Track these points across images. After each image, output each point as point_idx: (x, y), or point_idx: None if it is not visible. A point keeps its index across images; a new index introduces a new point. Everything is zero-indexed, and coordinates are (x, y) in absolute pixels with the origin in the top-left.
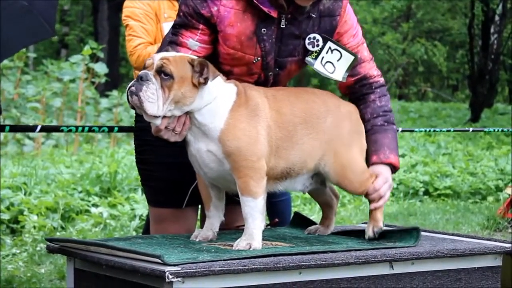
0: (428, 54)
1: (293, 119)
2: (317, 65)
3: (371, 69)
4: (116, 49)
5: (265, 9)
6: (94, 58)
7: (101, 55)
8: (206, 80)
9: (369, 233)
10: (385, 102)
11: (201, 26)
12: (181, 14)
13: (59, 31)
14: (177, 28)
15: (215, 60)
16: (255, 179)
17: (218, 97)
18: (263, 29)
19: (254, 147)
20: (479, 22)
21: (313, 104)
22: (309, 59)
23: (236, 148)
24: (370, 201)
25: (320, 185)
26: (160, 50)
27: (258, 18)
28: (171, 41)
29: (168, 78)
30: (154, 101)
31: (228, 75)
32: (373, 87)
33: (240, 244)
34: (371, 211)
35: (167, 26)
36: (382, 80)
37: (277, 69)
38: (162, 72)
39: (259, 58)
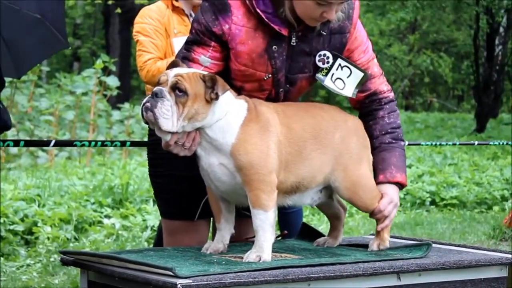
0: (434, 65)
1: (303, 134)
2: (327, 82)
3: (381, 84)
4: (127, 62)
5: (276, 27)
6: (106, 71)
7: (113, 68)
8: (217, 95)
9: (373, 247)
10: (394, 119)
11: (212, 43)
12: (193, 31)
13: (71, 44)
14: (189, 44)
15: (227, 77)
16: (266, 192)
17: (229, 113)
18: (274, 47)
19: (265, 161)
20: (484, 33)
21: (322, 120)
22: (319, 75)
23: (247, 162)
24: (377, 221)
25: (328, 198)
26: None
27: (269, 36)
28: (183, 57)
29: (182, 94)
30: (169, 117)
31: (239, 91)
32: (383, 103)
33: (250, 256)
34: (378, 231)
35: (177, 41)
36: (392, 95)
37: (288, 86)
38: (176, 89)
39: (270, 75)
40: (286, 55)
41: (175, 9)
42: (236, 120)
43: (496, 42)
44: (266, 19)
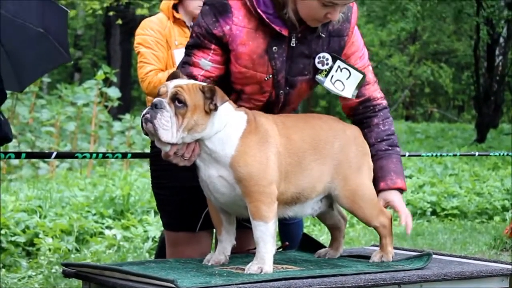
0: (434, 75)
1: (302, 145)
2: (327, 83)
3: (375, 91)
4: (128, 73)
5: (277, 28)
6: (107, 82)
7: (114, 79)
8: (216, 106)
9: (375, 259)
10: (388, 126)
11: (213, 46)
12: (194, 35)
13: (72, 55)
14: (190, 49)
15: (228, 80)
16: (266, 204)
17: (229, 125)
18: (274, 48)
19: (264, 172)
20: (484, 44)
21: (321, 130)
22: (319, 77)
23: (247, 174)
24: (379, 233)
25: (328, 208)
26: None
27: (270, 36)
28: (184, 62)
29: (182, 105)
30: (168, 128)
31: (240, 95)
32: (376, 110)
33: (252, 268)
34: (382, 244)
35: (178, 53)
36: (385, 102)
37: (288, 88)
38: (176, 100)
39: (270, 76)
40: (286, 56)
41: (176, 20)
42: (236, 132)
43: (497, 52)
44: (267, 20)
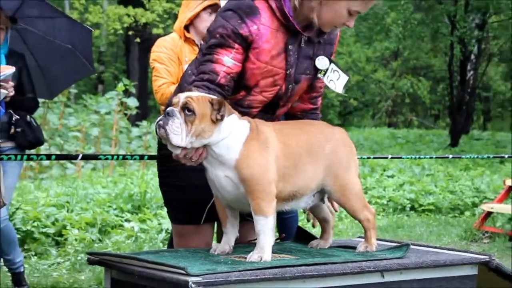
0: (413, 88)
1: (298, 150)
2: (325, 81)
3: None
4: (145, 85)
5: (298, 27)
6: (126, 93)
7: (133, 90)
8: (222, 117)
9: (361, 249)
10: None
11: (236, 46)
12: (217, 35)
13: (96, 69)
14: (212, 48)
15: (241, 77)
16: (266, 201)
17: (233, 132)
18: (290, 46)
19: (264, 174)
20: (457, 60)
21: (313, 135)
22: (320, 75)
23: (250, 175)
24: (363, 227)
25: (320, 201)
26: (178, 87)
27: (288, 36)
28: (205, 60)
29: (191, 114)
30: (179, 133)
31: (251, 89)
32: (318, 117)
33: (253, 256)
34: (366, 236)
35: None
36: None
37: (294, 84)
38: (186, 109)
39: (284, 70)
40: (297, 54)
41: (186, 39)
42: (240, 139)
43: (468, 68)
44: (291, 20)
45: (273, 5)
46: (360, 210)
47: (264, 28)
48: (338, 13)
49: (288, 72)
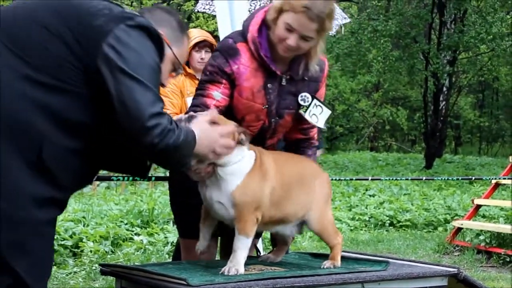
0: (393, 116)
1: (291, 180)
2: (307, 116)
3: (315, 134)
4: None
5: (273, 68)
6: None
7: None
8: (243, 141)
9: (326, 265)
10: (313, 158)
11: (223, 81)
12: (207, 72)
13: None
14: (203, 83)
15: (230, 111)
16: (251, 225)
17: (242, 160)
18: (269, 84)
19: (257, 202)
20: (431, 92)
21: (305, 169)
22: (301, 111)
23: (243, 202)
24: (331, 249)
25: (299, 233)
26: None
27: (266, 75)
28: (198, 94)
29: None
30: None
31: (241, 123)
32: (311, 146)
33: (231, 270)
34: (334, 254)
35: (189, 100)
36: (317, 143)
37: (277, 118)
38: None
39: (266, 106)
40: (277, 92)
41: (188, 74)
42: (245, 167)
43: (441, 98)
44: (266, 61)
45: (252, 48)
46: (334, 236)
47: (243, 68)
48: (279, 29)
49: (270, 108)
